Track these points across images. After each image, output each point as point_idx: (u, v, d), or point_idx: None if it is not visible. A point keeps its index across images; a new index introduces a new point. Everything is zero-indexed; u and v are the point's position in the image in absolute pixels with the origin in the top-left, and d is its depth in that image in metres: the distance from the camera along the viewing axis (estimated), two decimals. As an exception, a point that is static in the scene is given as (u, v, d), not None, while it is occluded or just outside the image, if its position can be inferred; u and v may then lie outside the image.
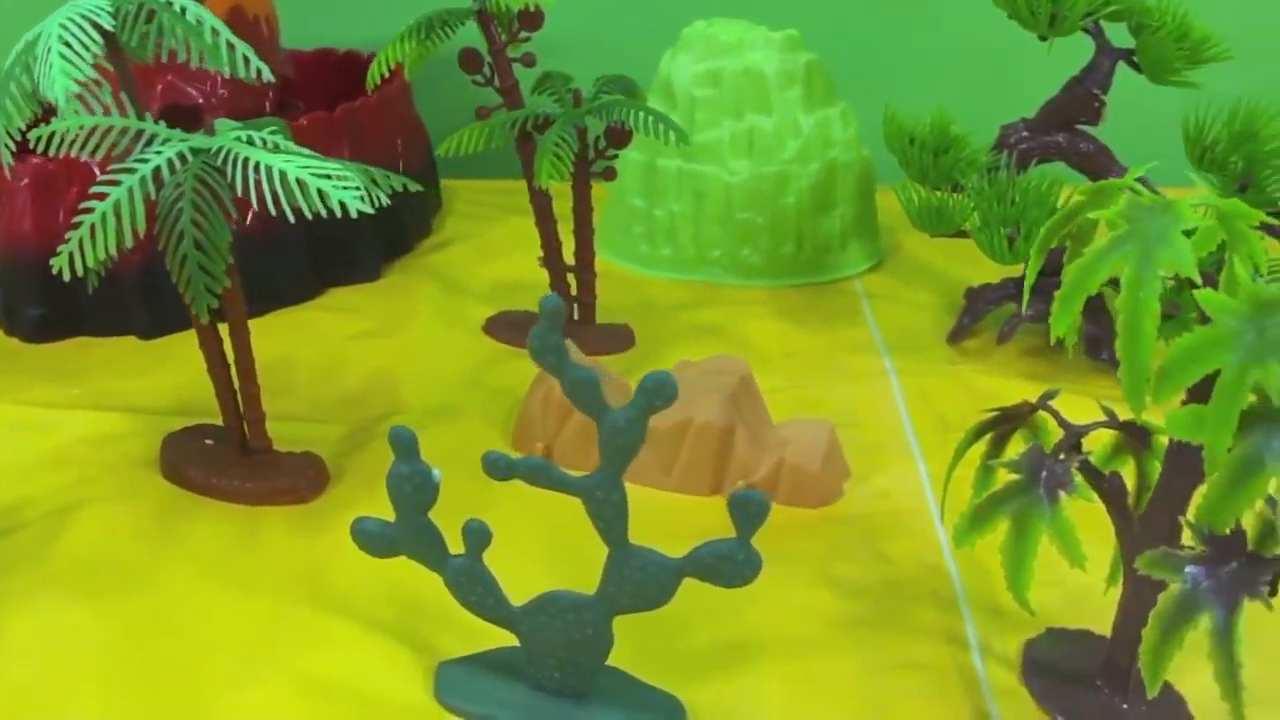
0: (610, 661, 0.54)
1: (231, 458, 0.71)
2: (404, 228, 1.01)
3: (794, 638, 0.60)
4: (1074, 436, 0.55)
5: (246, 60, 0.63)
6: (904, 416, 0.80)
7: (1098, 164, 0.86)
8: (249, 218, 0.91)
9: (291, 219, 0.59)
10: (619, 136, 0.81)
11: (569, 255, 0.87)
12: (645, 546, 0.51)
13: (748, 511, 0.49)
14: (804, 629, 0.61)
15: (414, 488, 0.52)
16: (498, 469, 0.51)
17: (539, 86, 0.84)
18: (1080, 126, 0.87)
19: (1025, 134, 0.87)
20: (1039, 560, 0.51)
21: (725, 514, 0.71)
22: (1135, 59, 0.86)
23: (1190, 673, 0.51)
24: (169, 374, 0.84)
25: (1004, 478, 0.53)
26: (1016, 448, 0.55)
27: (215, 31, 0.62)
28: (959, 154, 0.85)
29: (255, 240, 0.91)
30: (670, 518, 0.70)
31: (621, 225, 0.99)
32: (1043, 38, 0.83)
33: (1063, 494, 0.53)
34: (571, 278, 0.87)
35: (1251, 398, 0.43)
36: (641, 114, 0.78)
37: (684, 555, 0.50)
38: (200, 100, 0.95)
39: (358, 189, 0.63)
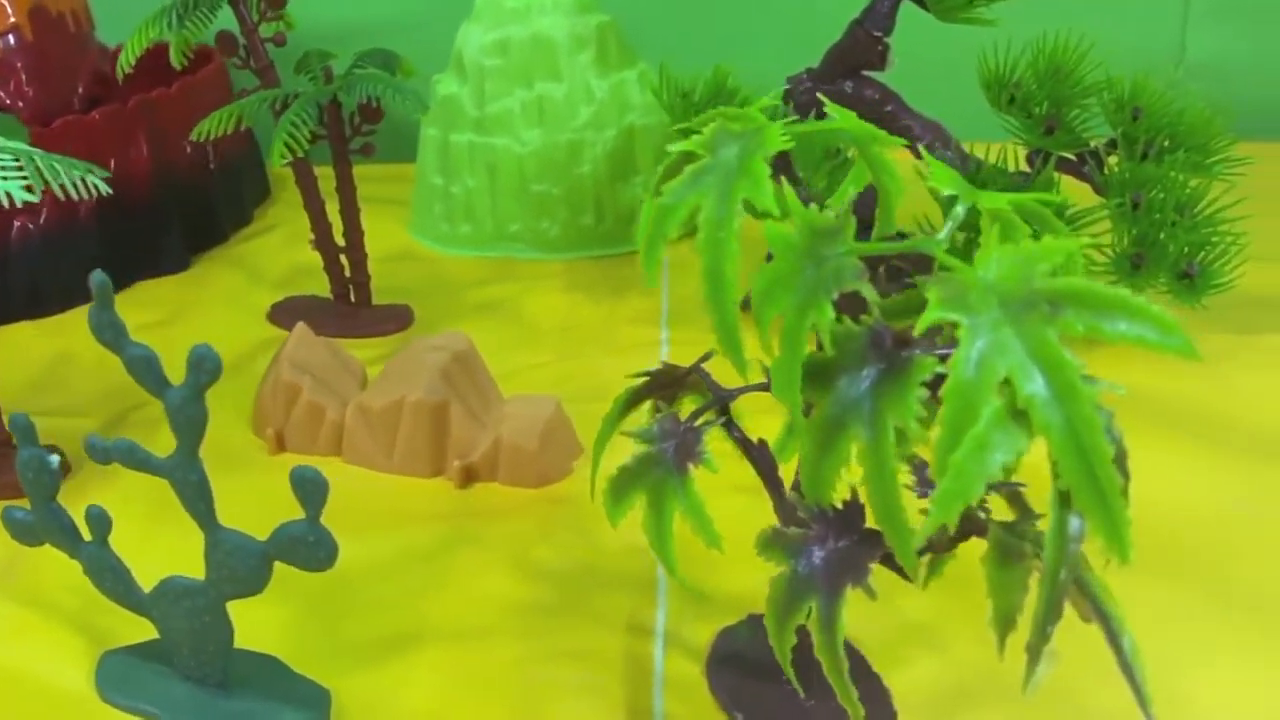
0: (276, 650, 0.50)
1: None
2: (216, 218, 0.92)
3: (465, 626, 0.53)
4: (719, 401, 0.45)
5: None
6: (659, 389, 0.69)
7: (885, 113, 0.75)
8: (43, 215, 0.82)
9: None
10: (370, 113, 0.73)
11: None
12: (234, 529, 0.46)
13: (307, 490, 0.43)
14: (479, 617, 0.54)
15: (35, 474, 0.48)
16: (96, 452, 0.47)
17: (299, 67, 0.75)
18: (867, 73, 0.75)
19: (809, 84, 0.75)
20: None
21: (448, 496, 0.63)
22: (919, -5, 0.74)
23: (903, 664, 0.47)
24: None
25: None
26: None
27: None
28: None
29: (52, 237, 0.82)
30: (393, 501, 0.63)
31: (424, 204, 0.91)
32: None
33: (691, 465, 0.42)
34: (345, 259, 0.77)
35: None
36: (382, 86, 0.68)
37: (267, 537, 0.45)
38: (4, 99, 0.86)
39: (22, 178, 0.55)
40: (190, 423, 0.44)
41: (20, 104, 0.86)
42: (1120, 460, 0.32)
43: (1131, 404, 0.69)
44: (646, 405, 0.48)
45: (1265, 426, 0.68)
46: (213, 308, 0.84)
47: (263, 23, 0.74)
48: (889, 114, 0.75)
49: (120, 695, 0.50)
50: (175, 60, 0.74)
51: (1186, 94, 0.75)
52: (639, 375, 0.47)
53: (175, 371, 0.73)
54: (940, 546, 0.36)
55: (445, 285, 0.86)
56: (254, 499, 0.61)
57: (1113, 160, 0.74)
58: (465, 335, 0.65)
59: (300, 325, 0.67)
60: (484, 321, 0.79)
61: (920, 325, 0.29)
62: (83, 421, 0.70)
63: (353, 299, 0.79)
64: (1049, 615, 0.29)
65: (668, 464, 0.43)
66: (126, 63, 0.72)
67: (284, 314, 0.80)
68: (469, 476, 0.62)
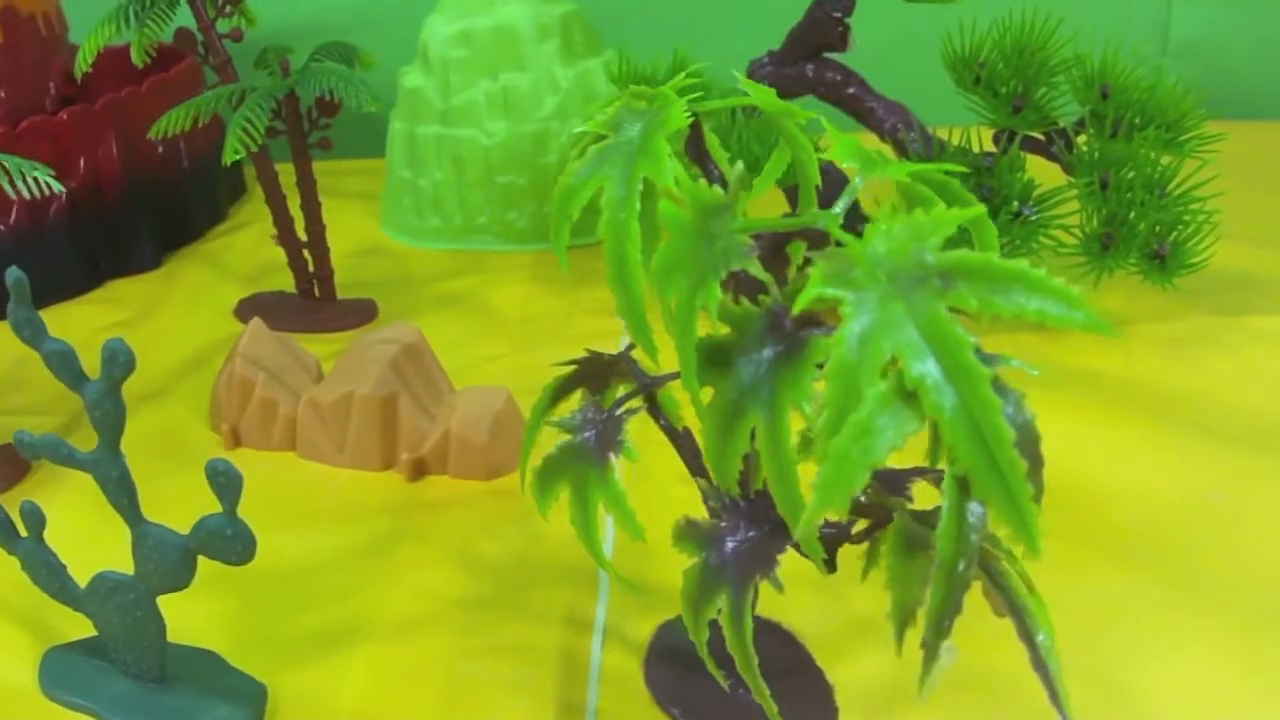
0: (217, 645, 0.49)
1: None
2: (189, 215, 0.90)
3: (403, 620, 0.52)
4: (644, 389, 0.42)
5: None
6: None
7: (847, 95, 0.72)
8: (13, 216, 0.80)
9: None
10: (326, 106, 0.72)
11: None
12: (158, 524, 0.44)
13: (220, 484, 0.42)
14: (418, 611, 0.52)
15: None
16: (24, 447, 0.46)
17: (258, 62, 0.74)
18: (829, 55, 0.73)
19: (769, 67, 0.73)
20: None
21: (399, 489, 0.61)
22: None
23: (849, 658, 0.45)
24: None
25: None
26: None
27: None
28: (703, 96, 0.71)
29: (22, 238, 0.81)
30: (344, 495, 0.62)
31: (394, 198, 0.89)
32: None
33: (612, 455, 0.40)
34: (308, 254, 0.75)
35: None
36: (334, 79, 0.66)
37: (189, 531, 0.43)
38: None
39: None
40: (107, 417, 0.43)
41: (-9, 105, 0.85)
42: (1031, 445, 0.29)
43: (1101, 387, 0.67)
44: (579, 394, 0.47)
45: (1240, 410, 0.65)
46: (181, 305, 0.83)
47: (219, 18, 0.72)
48: (851, 96, 0.73)
49: (62, 691, 0.49)
50: (136, 59, 0.73)
51: (1157, 70, 0.72)
52: (567, 364, 0.45)
53: (146, 371, 0.73)
54: (852, 536, 0.34)
55: (412, 279, 0.85)
56: (207, 494, 0.61)
57: (1082, 139, 0.71)
58: (415, 327, 0.63)
59: (255, 321, 0.65)
60: (446, 314, 0.78)
61: (799, 303, 0.27)
62: (44, 419, 0.69)
63: (317, 294, 0.78)
64: (945, 610, 0.27)
65: (589, 454, 0.41)
66: (83, 63, 0.70)
67: (249, 310, 0.79)
68: (419, 469, 0.60)
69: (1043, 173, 0.73)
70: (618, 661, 0.47)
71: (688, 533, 0.37)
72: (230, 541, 0.42)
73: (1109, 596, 0.51)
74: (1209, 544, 0.54)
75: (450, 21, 0.84)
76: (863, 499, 0.34)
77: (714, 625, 0.37)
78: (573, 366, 0.45)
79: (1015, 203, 0.69)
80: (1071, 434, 0.63)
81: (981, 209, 0.30)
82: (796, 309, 0.27)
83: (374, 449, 0.61)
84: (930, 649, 0.27)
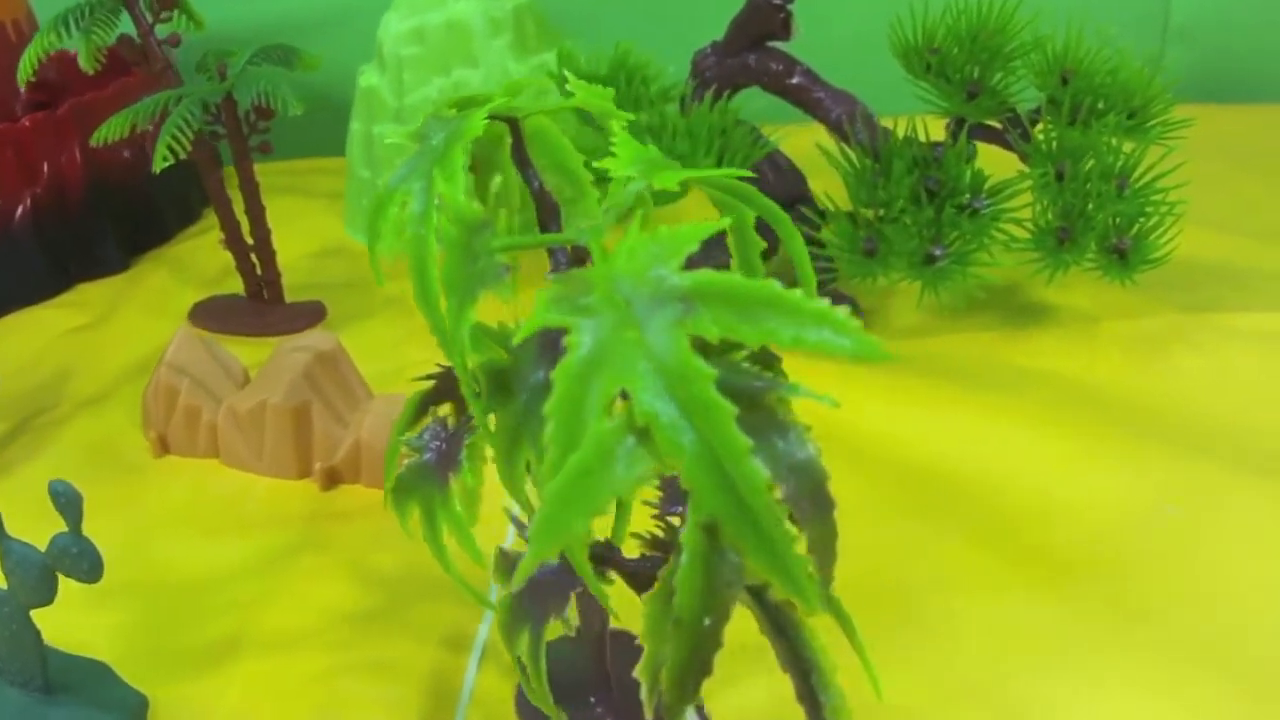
0: (110, 655, 0.47)
1: None
2: (159, 217, 0.89)
3: (288, 634, 0.50)
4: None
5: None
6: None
7: (791, 85, 0.68)
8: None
9: None
10: (263, 110, 0.69)
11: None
12: (21, 541, 0.43)
13: (61, 504, 0.41)
14: (303, 623, 0.51)
15: None
16: None
17: (199, 66, 0.72)
18: (772, 44, 0.69)
19: (713, 59, 0.69)
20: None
21: (312, 498, 0.59)
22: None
23: (729, 686, 0.42)
24: None
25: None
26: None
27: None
28: (643, 89, 0.68)
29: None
30: (261, 504, 0.60)
31: (355, 198, 0.87)
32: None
33: (452, 475, 0.38)
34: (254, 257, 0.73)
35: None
36: (263, 83, 0.64)
37: (45, 548, 0.42)
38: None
39: None
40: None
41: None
42: (814, 485, 0.26)
43: (1057, 391, 0.63)
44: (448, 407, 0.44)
45: (1206, 417, 0.60)
46: (140, 309, 0.82)
47: (157, 23, 0.71)
48: (794, 86, 0.69)
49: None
50: (86, 65, 0.71)
51: (1121, 52, 0.67)
52: (425, 378, 0.42)
53: (94, 376, 0.72)
54: (636, 573, 0.31)
55: (368, 280, 0.81)
56: (137, 502, 0.59)
57: (1039, 128, 0.67)
58: (333, 335, 0.61)
59: (182, 328, 0.64)
60: (390, 316, 0.75)
61: (522, 332, 0.24)
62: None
63: (266, 297, 0.76)
64: (688, 671, 0.24)
65: (433, 474, 0.38)
66: (25, 72, 0.69)
67: (202, 314, 0.77)
68: (332, 478, 0.58)
69: (1003, 163, 0.68)
70: (492, 684, 0.45)
71: (500, 563, 0.34)
72: (77, 560, 0.41)
73: (1035, 621, 0.47)
74: (1154, 567, 0.50)
75: (403, 19, 0.81)
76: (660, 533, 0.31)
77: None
78: (432, 382, 0.42)
79: (966, 195, 0.65)
80: (1018, 442, 0.59)
81: (722, 223, 0.27)
82: (518, 339, 0.24)
83: (289, 458, 0.59)
84: (673, 715, 0.24)
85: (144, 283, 0.86)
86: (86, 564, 0.41)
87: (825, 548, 0.27)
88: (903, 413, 0.62)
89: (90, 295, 0.85)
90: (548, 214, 0.35)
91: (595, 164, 0.31)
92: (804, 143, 0.70)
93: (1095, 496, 0.54)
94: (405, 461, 0.40)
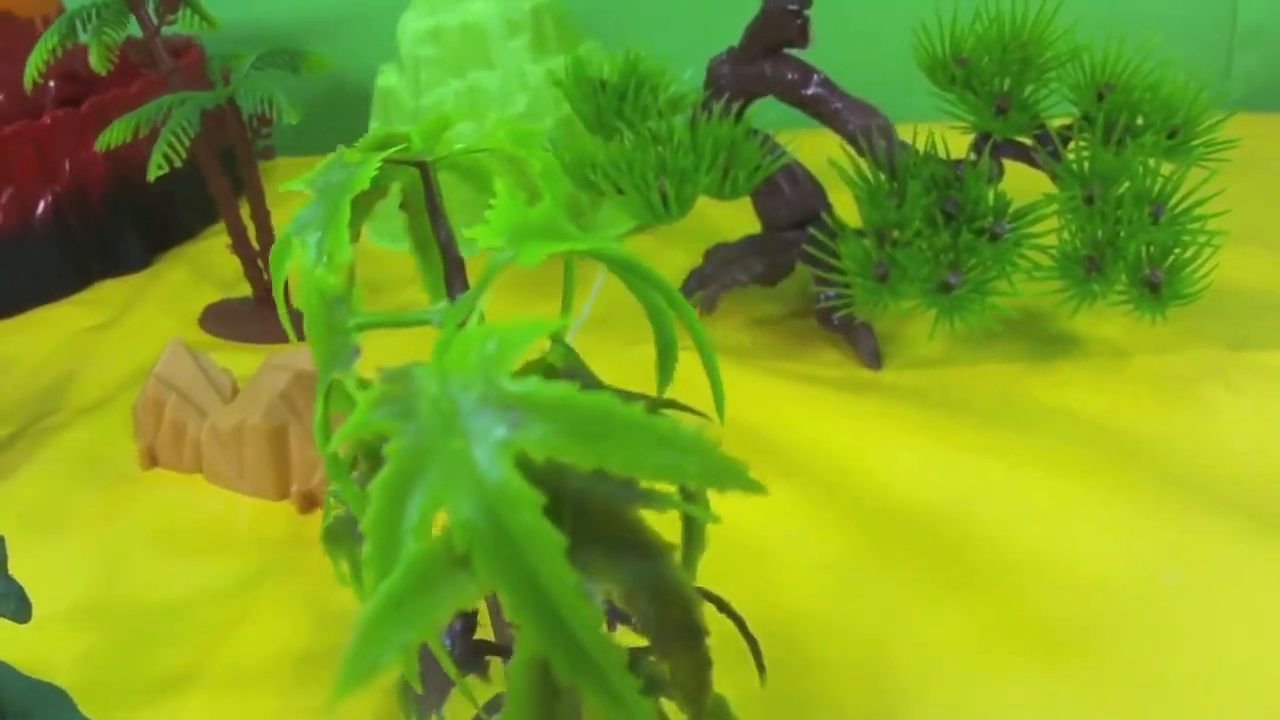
0: (74, 680, 0.44)
1: None
2: (181, 216, 0.89)
3: (241, 670, 0.49)
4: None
5: None
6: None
7: (807, 97, 0.65)
8: (-5, 217, 0.81)
9: None
10: (263, 116, 0.67)
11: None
12: None
13: None
14: (256, 660, 0.49)
15: None
16: None
17: (208, 70, 0.70)
18: (788, 51, 0.65)
19: (727, 66, 0.66)
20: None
21: (289, 521, 0.58)
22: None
23: None
24: None
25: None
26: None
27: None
28: (651, 98, 0.65)
29: (7, 241, 0.81)
30: (241, 525, 0.59)
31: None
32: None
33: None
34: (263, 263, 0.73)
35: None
36: (262, 89, 0.63)
37: None
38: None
39: None
40: None
41: (-11, 106, 0.85)
42: (682, 612, 0.23)
43: (1074, 432, 0.58)
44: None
45: (1230, 467, 0.54)
46: (154, 310, 0.81)
47: (163, 25, 0.70)
48: (811, 98, 0.65)
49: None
50: (98, 65, 0.71)
51: (1165, 64, 0.62)
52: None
53: (98, 381, 0.72)
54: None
55: (381, 285, 0.80)
56: (121, 514, 0.60)
57: (1071, 147, 0.62)
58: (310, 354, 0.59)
59: (173, 340, 0.63)
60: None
61: (337, 439, 0.22)
62: (-2, 430, 0.70)
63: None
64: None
65: (354, 529, 0.36)
66: (30, 78, 0.69)
67: (212, 318, 0.77)
68: (309, 501, 0.57)
69: (1030, 182, 0.64)
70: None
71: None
72: (4, 600, 0.40)
73: (1000, 697, 0.43)
74: (1140, 642, 0.45)
75: (420, 18, 0.79)
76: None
77: None
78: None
79: (987, 219, 0.61)
80: (1027, 487, 0.55)
81: (565, 322, 0.24)
82: (327, 449, 0.22)
83: (268, 478, 0.57)
84: None
85: (162, 282, 0.86)
86: (13, 604, 0.40)
87: (694, 681, 0.24)
88: (905, 453, 0.58)
89: (108, 294, 0.85)
90: (452, 270, 0.32)
91: (466, 232, 0.28)
92: (828, 147, 0.66)
93: (1089, 553, 0.50)
94: (334, 512, 0.38)
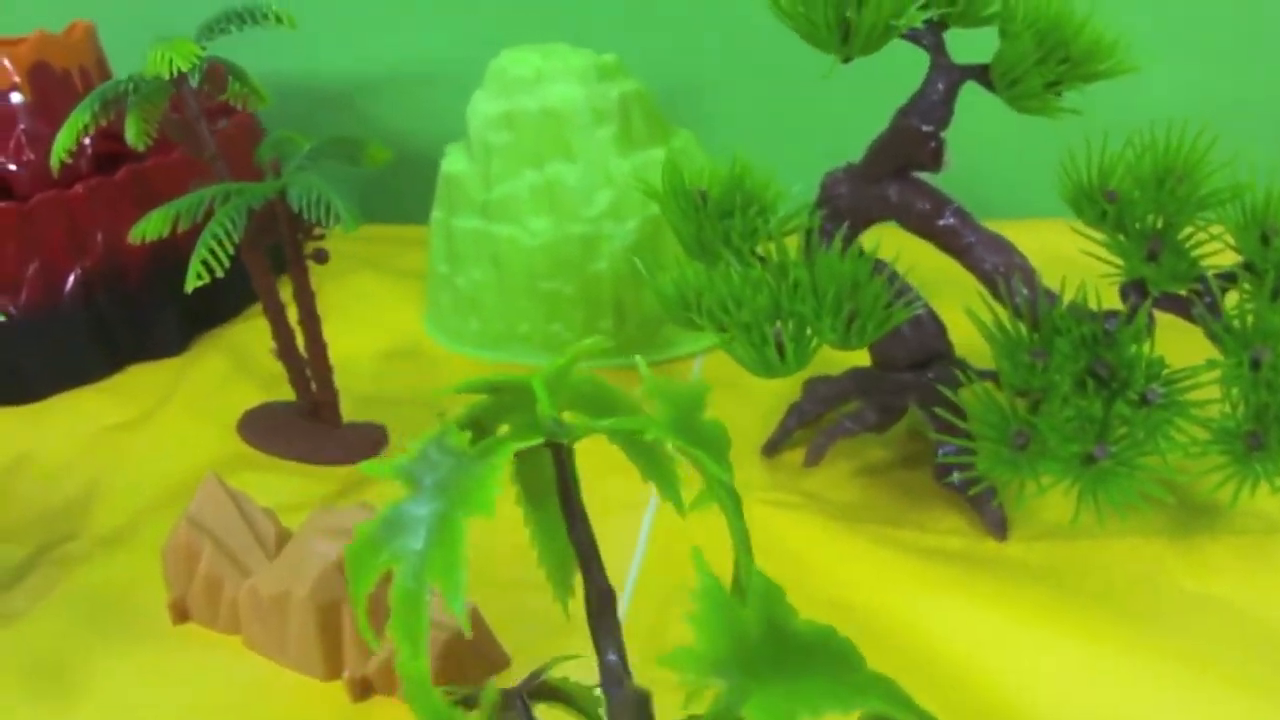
0: None
1: None
2: (222, 295, 0.81)
3: None
4: None
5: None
6: (633, 571, 0.55)
7: (939, 229, 0.57)
8: (23, 295, 0.74)
9: None
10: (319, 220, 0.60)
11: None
12: None
13: None
14: None
15: None
16: None
17: (258, 156, 0.64)
18: (917, 175, 0.58)
19: (845, 186, 0.58)
20: None
21: (340, 709, 0.52)
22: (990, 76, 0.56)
23: None
24: None
25: None
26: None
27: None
28: (761, 221, 0.57)
29: (33, 319, 0.74)
30: (282, 705, 0.51)
31: (434, 294, 0.79)
32: (846, 59, 0.55)
33: None
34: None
35: None
36: (314, 194, 0.56)
37: None
38: (4, 163, 0.78)
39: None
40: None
41: (18, 169, 0.78)
42: None
43: (1215, 624, 0.50)
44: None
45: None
46: (188, 409, 0.74)
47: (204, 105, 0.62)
48: (943, 230, 0.57)
49: None
50: (135, 140, 0.64)
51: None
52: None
53: (125, 499, 0.64)
54: None
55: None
56: (138, 682, 0.52)
57: (1233, 301, 0.54)
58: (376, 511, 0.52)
59: (209, 476, 0.56)
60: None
61: None
62: (9, 548, 0.61)
63: (320, 416, 0.67)
64: None
65: None
66: (58, 157, 0.61)
67: (251, 425, 0.69)
68: (364, 688, 0.50)
69: (1179, 334, 0.56)
70: None
71: None
72: None
73: None
74: None
75: (493, 99, 0.71)
76: None
77: None
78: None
79: (1141, 385, 0.53)
80: (1154, 696, 0.48)
81: None
82: None
83: (315, 657, 0.50)
84: None
85: (199, 370, 0.78)
86: None
87: None
88: (1033, 651, 0.50)
89: (139, 381, 0.78)
90: (586, 554, 0.26)
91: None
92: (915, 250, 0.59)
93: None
94: None
